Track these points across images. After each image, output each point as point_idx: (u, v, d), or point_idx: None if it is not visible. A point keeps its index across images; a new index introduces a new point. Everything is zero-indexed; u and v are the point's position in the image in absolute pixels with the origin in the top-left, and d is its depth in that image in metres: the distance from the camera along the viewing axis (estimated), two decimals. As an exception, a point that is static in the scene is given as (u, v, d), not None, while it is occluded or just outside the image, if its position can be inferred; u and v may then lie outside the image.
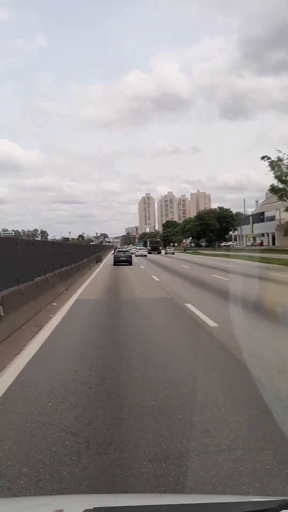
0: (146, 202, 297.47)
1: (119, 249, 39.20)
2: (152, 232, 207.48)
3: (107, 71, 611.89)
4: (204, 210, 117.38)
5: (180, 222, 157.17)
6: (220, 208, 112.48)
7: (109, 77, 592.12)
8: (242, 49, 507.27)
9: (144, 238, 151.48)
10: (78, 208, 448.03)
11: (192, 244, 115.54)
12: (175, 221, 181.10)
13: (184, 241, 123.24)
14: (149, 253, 67.01)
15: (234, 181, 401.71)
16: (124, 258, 30.58)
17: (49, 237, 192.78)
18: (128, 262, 30.34)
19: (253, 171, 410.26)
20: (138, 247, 76.01)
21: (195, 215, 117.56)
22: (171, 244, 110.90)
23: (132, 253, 40.34)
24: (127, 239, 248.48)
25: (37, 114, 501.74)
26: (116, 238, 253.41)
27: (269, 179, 43.47)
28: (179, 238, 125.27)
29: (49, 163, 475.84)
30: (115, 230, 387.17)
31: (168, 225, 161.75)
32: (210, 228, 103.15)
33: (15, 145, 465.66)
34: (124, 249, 39.19)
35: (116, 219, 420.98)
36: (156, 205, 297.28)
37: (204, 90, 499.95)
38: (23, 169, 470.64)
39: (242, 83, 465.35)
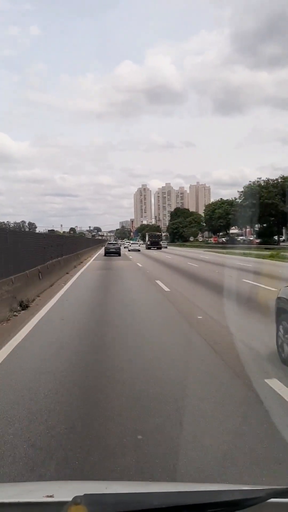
0: (142, 193, 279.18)
1: (109, 242, 46.62)
2: (151, 224, 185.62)
3: (99, 64, 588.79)
4: (259, 181, 67.74)
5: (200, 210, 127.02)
6: (284, 178, 64.80)
7: (101, 70, 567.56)
8: (235, 42, 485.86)
9: (143, 231, 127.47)
10: (71, 201, 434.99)
11: (222, 239, 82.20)
12: (187, 209, 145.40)
13: (200, 234, 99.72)
14: (148, 248, 59.09)
15: (228, 176, 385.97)
16: (114, 250, 36.34)
17: (38, 230, 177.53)
18: (117, 253, 35.89)
19: (248, 166, 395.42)
20: (131, 242, 72.45)
21: (241, 190, 70.21)
22: (191, 238, 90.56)
23: (125, 247, 50.58)
24: (122, 232, 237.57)
25: (28, 105, 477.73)
26: (110, 232, 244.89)
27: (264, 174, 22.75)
28: (193, 230, 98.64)
29: (41, 155, 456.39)
30: (109, 224, 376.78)
31: (177, 213, 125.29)
32: (271, 212, 57.75)
33: (6, 136, 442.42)
34: (114, 242, 44.79)
35: (109, 213, 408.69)
36: (152, 197, 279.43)
37: (198, 84, 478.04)
38: (15, 161, 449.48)
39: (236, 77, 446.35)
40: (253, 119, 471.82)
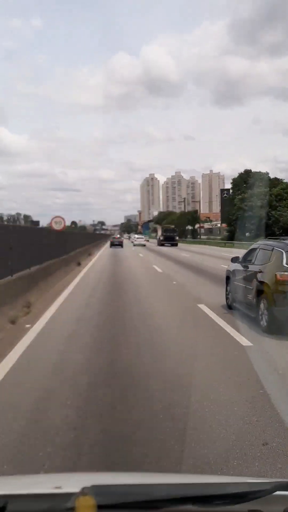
0: (149, 183, 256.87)
1: (113, 236, 57.05)
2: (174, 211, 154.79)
3: (98, 56, 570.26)
4: None
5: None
6: None
7: (100, 62, 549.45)
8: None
9: (164, 222, 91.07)
10: (74, 195, 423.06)
11: None
12: (264, 172, 58.91)
13: None
14: (161, 244, 53.25)
15: (231, 170, 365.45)
16: (117, 243, 47.01)
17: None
18: (120, 245, 46.20)
19: (252, 160, 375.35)
20: (137, 236, 70.58)
21: None
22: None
23: (131, 242, 61.59)
24: (128, 226, 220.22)
25: (28, 98, 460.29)
26: (114, 226, 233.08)
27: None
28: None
29: (41, 149, 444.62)
30: (114, 218, 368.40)
31: (245, 182, 56.94)
32: None
33: (5, 130, 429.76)
34: (117, 236, 54.80)
35: (113, 207, 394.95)
36: (161, 187, 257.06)
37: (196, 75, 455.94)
38: (15, 155, 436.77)
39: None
40: (253, 110, 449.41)
